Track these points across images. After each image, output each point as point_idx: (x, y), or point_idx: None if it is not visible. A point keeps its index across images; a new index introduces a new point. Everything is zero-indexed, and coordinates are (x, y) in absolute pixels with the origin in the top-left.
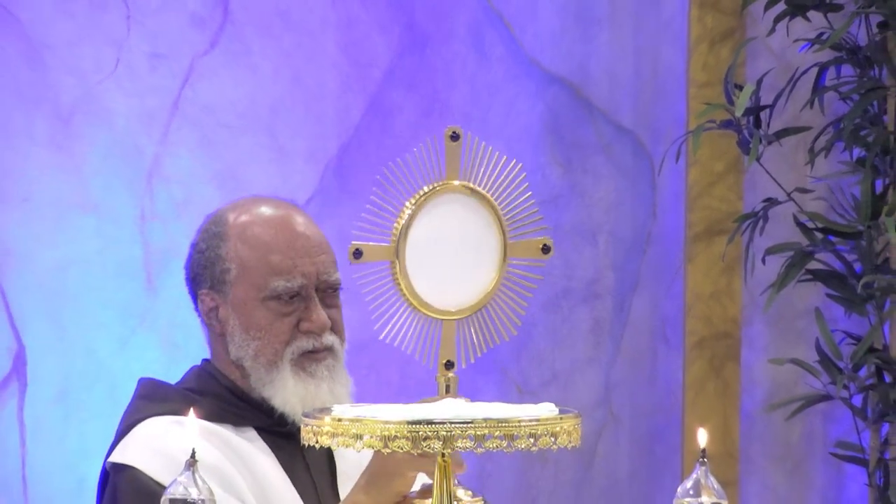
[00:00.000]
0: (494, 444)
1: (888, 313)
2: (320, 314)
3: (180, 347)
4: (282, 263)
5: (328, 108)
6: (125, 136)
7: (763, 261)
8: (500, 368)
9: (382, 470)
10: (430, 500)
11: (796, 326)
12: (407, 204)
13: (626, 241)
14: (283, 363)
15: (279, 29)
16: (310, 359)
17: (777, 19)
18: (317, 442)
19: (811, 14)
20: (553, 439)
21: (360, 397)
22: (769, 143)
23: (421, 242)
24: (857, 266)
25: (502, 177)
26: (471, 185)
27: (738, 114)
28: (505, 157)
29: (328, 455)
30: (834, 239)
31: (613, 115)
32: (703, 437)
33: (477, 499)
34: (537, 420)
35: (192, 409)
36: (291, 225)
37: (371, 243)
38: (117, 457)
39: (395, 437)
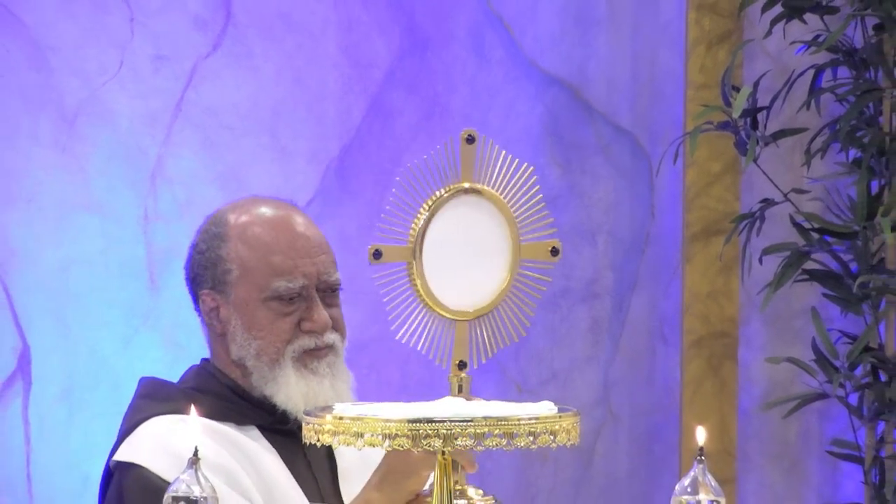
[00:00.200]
0: (494, 443)
1: (883, 313)
2: (322, 314)
3: (183, 347)
4: (283, 264)
5: (329, 109)
6: (129, 138)
7: (760, 261)
8: (500, 367)
9: (396, 468)
10: None
11: (793, 326)
12: (424, 206)
13: (625, 242)
14: (286, 361)
15: (281, 31)
16: (311, 356)
17: (774, 22)
18: (318, 440)
19: (807, 16)
20: (552, 437)
21: (361, 396)
22: (766, 144)
23: (437, 244)
24: (853, 266)
25: (514, 179)
26: (485, 187)
27: (736, 115)
28: (517, 159)
29: (328, 453)
30: (830, 239)
31: (612, 117)
32: (701, 436)
33: (488, 498)
34: (536, 418)
35: (193, 408)
36: (292, 225)
37: (390, 244)
38: (123, 455)
39: (396, 435)
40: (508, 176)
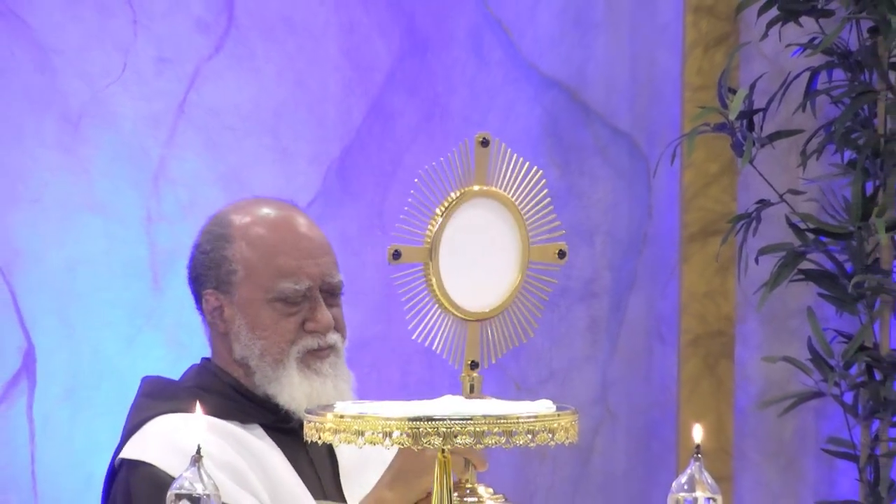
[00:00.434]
0: (493, 441)
1: (878, 312)
2: (325, 315)
3: (186, 346)
4: (288, 266)
5: (330, 110)
6: (132, 139)
7: (756, 261)
8: (499, 366)
9: (409, 467)
10: (454, 495)
11: (789, 325)
12: (440, 207)
13: (623, 242)
14: (290, 361)
15: (282, 34)
16: (314, 357)
17: (770, 24)
18: (319, 438)
19: (803, 19)
20: (551, 435)
21: (362, 395)
22: (762, 145)
23: (452, 245)
24: (848, 266)
25: (525, 182)
26: (498, 190)
27: (732, 117)
28: (528, 162)
29: (329, 451)
30: (825, 239)
31: (610, 119)
32: (698, 434)
33: (497, 496)
34: (535, 417)
35: (198, 405)
36: (295, 227)
37: (409, 245)
38: (130, 453)
39: (396, 433)
40: (519, 179)
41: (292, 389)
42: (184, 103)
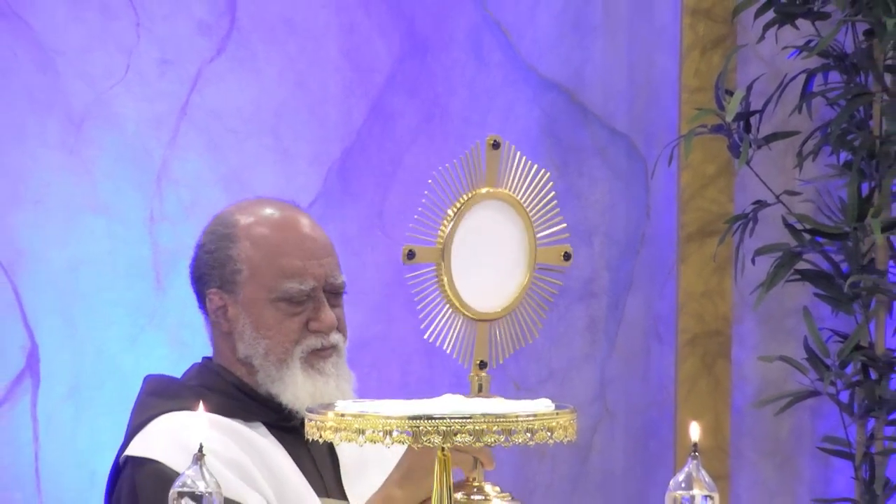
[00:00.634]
0: (493, 439)
1: (874, 312)
2: (329, 315)
3: (188, 345)
4: (293, 266)
5: (331, 112)
6: (135, 140)
7: (753, 261)
8: (499, 365)
9: (418, 465)
10: (461, 494)
11: (785, 325)
12: (452, 208)
13: (621, 242)
14: (293, 361)
15: (284, 36)
16: (318, 356)
17: (766, 27)
18: (320, 436)
19: (799, 22)
20: (549, 434)
21: (362, 394)
22: (759, 146)
23: (463, 246)
24: (844, 266)
25: (533, 184)
26: (508, 192)
27: (729, 119)
28: (536, 165)
29: (330, 449)
30: (821, 240)
31: (608, 120)
32: (695, 432)
33: (504, 494)
34: (534, 415)
35: (201, 404)
36: (299, 227)
37: (423, 245)
38: (136, 450)
39: (397, 431)
40: (528, 181)
41: (296, 389)
42: (186, 105)
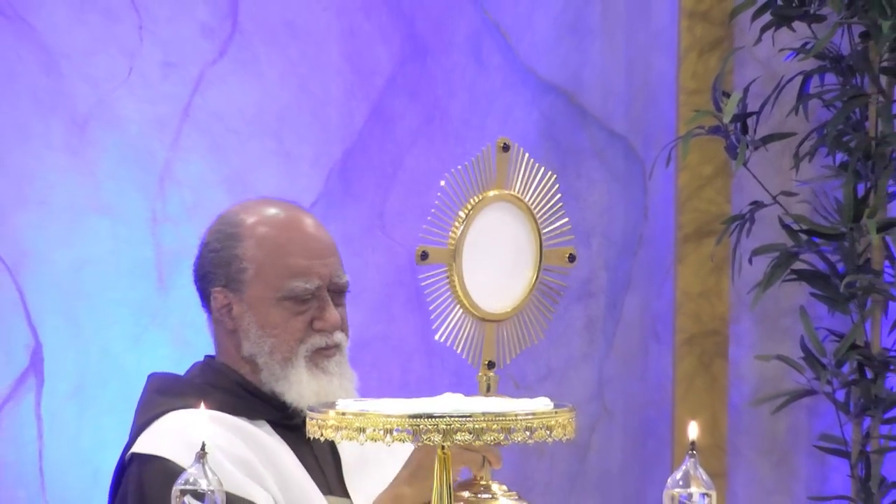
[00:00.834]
0: (492, 437)
1: (869, 311)
2: (333, 314)
3: (191, 345)
4: (299, 266)
5: (332, 114)
6: (138, 142)
7: (750, 261)
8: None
9: (427, 463)
10: (468, 492)
11: (782, 324)
12: (463, 210)
13: (619, 243)
14: (298, 359)
15: (285, 39)
16: (321, 355)
17: (763, 29)
18: (321, 435)
19: (796, 24)
20: (548, 432)
21: (363, 393)
22: (756, 148)
23: (474, 247)
24: (840, 266)
25: (539, 187)
26: (516, 194)
27: (726, 120)
28: (542, 167)
29: (332, 447)
30: (818, 240)
31: (606, 122)
32: (693, 430)
33: (511, 493)
34: (533, 414)
35: (202, 402)
36: (304, 227)
37: (434, 246)
38: (143, 447)
39: (397, 430)
40: (535, 183)
41: (301, 387)
42: (189, 107)
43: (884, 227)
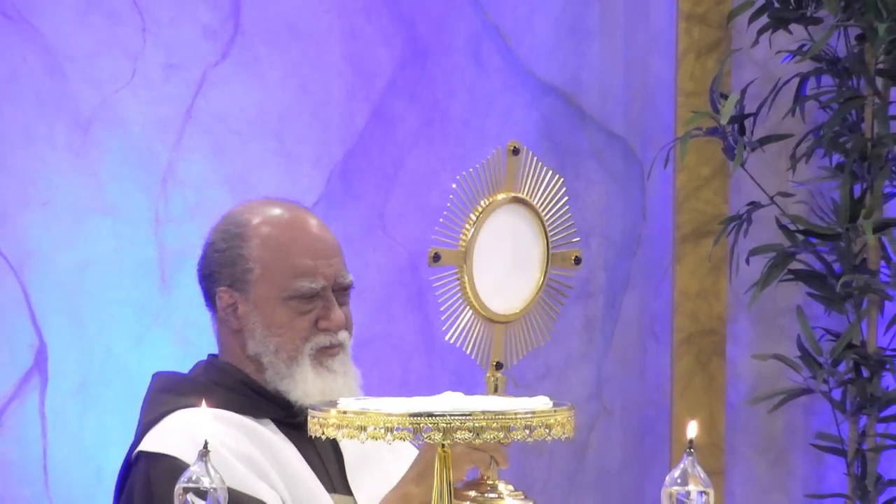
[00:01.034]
0: (491, 436)
1: (865, 311)
2: (338, 313)
3: (193, 344)
4: (304, 265)
5: (334, 115)
6: (141, 143)
7: (747, 261)
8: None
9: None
10: (475, 491)
11: (779, 323)
12: (474, 213)
13: (617, 243)
14: (303, 358)
15: (287, 41)
16: (326, 354)
17: (760, 32)
18: (323, 433)
19: (793, 27)
20: (547, 431)
21: (364, 392)
22: (753, 149)
23: (484, 249)
24: (837, 266)
25: (547, 190)
26: (525, 196)
27: (724, 121)
28: (550, 171)
29: (334, 445)
30: (814, 240)
31: (605, 123)
32: (692, 429)
33: (517, 493)
34: (532, 412)
35: (204, 401)
36: (309, 228)
37: (447, 248)
38: (150, 445)
39: (398, 428)
40: (543, 186)
41: (306, 386)
42: (191, 108)
43: (880, 228)
